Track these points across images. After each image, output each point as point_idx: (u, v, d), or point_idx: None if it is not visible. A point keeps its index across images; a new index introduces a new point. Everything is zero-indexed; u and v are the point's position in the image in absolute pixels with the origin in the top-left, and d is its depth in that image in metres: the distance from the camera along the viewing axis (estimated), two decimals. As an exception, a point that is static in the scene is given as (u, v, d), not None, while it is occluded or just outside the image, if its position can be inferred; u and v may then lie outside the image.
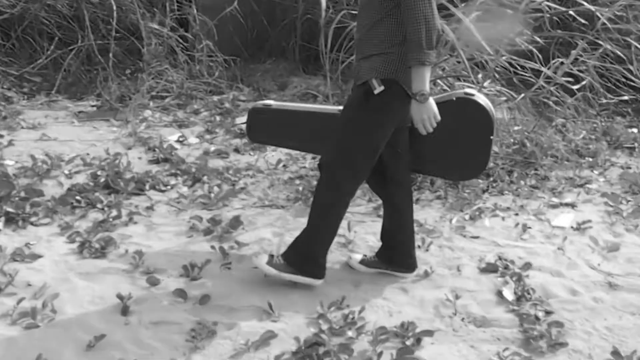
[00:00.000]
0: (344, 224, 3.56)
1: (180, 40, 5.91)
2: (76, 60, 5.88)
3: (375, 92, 2.65)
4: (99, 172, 4.14)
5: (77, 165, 4.30)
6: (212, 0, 6.33)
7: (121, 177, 4.07)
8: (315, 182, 4.05)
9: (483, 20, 5.07)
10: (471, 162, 3.08)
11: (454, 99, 2.97)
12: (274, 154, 4.66)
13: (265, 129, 3.31)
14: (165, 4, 6.10)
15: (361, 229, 3.62)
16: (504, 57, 4.12)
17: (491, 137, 3.00)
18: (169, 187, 4.07)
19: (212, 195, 3.91)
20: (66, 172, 4.19)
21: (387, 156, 2.93)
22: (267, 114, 3.27)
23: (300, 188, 4.04)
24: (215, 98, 5.79)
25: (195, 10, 6.04)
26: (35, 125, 4.99)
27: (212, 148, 4.71)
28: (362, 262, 3.19)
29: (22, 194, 3.77)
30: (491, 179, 4.31)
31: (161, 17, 6.04)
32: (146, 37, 5.78)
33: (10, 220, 3.52)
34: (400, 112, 2.72)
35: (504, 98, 4.51)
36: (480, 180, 4.25)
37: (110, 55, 5.63)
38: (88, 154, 4.47)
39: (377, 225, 3.64)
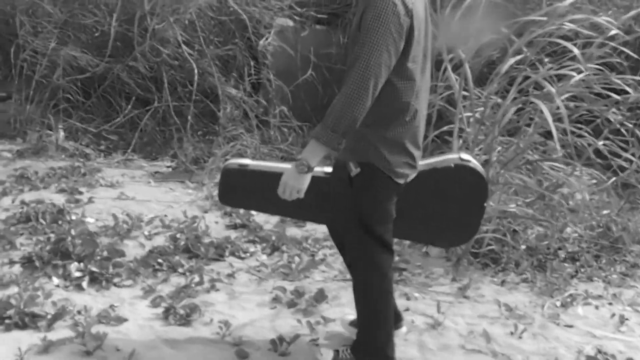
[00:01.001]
0: (434, 306, 3.46)
1: (255, 105, 5.94)
2: (152, 121, 5.96)
3: (352, 174, 2.51)
4: (178, 235, 4.12)
5: (156, 227, 4.29)
6: (285, 66, 6.40)
7: (200, 241, 4.03)
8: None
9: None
10: (465, 228, 2.98)
11: (452, 165, 2.86)
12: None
13: (241, 191, 2.98)
14: (241, 69, 6.18)
15: (448, 310, 3.48)
16: (601, 143, 4.01)
17: (485, 205, 2.92)
18: (248, 254, 4.01)
19: (293, 265, 3.84)
20: (146, 233, 4.17)
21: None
22: (244, 175, 2.95)
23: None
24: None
25: (271, 75, 6.10)
26: (113, 183, 5.03)
27: (289, 216, 4.65)
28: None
29: (105, 254, 3.75)
30: (578, 263, 4.15)
31: (237, 82, 6.11)
32: (222, 100, 5.83)
33: (94, 279, 3.50)
34: (387, 188, 2.56)
35: (594, 180, 4.39)
36: (566, 264, 4.10)
37: (189, 117, 5.69)
38: (166, 216, 4.47)
39: (466, 306, 3.53)
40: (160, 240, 4.09)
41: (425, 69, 2.56)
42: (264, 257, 4.00)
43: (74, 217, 4.27)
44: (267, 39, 6.07)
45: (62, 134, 5.83)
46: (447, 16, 3.92)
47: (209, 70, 5.98)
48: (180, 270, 3.70)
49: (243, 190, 2.99)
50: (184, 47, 5.79)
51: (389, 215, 2.64)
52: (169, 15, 5.96)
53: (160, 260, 3.76)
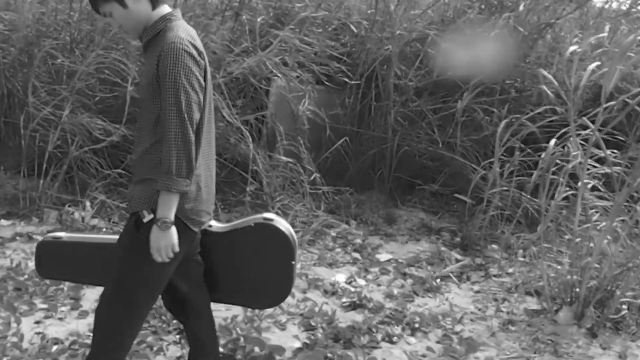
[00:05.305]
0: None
1: (301, 172, 5.72)
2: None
3: (145, 220, 2.46)
4: (312, 323, 3.86)
5: (268, 315, 3.97)
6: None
7: (338, 329, 3.79)
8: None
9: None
10: (273, 289, 2.95)
11: (252, 224, 2.87)
12: (460, 292, 4.52)
13: (57, 263, 2.97)
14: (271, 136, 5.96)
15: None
16: None
17: (292, 262, 2.89)
18: (395, 338, 3.81)
19: (458, 347, 3.70)
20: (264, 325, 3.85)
21: (184, 289, 2.84)
22: (58, 247, 2.94)
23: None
24: (334, 233, 5.58)
25: (305, 142, 5.92)
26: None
27: (396, 291, 4.49)
28: None
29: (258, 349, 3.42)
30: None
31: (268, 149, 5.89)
32: (264, 169, 5.56)
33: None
34: (179, 234, 2.49)
35: None
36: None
37: (248, 188, 5.36)
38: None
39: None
40: (293, 330, 3.79)
41: (211, 118, 2.63)
42: (412, 340, 3.82)
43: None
44: (304, 103, 5.89)
45: (89, 210, 5.25)
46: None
47: (239, 137, 5.68)
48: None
49: (60, 262, 2.98)
50: (224, 113, 5.46)
51: (167, 271, 2.58)
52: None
53: (329, 354, 3.48)
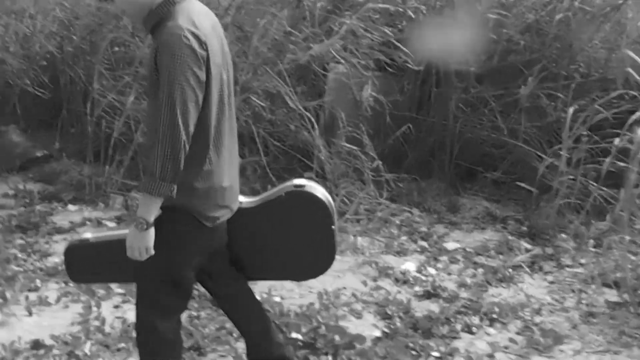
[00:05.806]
0: None
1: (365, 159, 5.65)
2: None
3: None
4: (387, 311, 3.80)
5: (347, 303, 3.92)
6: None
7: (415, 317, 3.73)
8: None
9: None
10: (316, 258, 2.77)
11: (284, 194, 2.66)
12: (533, 283, 4.41)
13: (89, 266, 2.82)
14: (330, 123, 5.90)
15: None
16: None
17: (332, 227, 2.69)
18: (474, 329, 3.72)
19: (542, 339, 3.60)
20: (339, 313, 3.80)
21: (209, 284, 2.73)
22: (87, 249, 2.79)
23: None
24: (398, 221, 5.50)
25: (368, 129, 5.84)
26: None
27: (468, 280, 4.39)
28: None
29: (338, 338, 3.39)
30: None
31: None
32: (326, 157, 5.50)
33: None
34: (190, 236, 2.42)
35: None
36: None
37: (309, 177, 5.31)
38: (345, 288, 4.12)
39: None
40: (369, 319, 3.74)
41: (226, 110, 2.43)
42: (492, 331, 3.73)
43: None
44: (367, 89, 5.80)
45: (154, 197, 5.25)
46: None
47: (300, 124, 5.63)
48: (435, 354, 3.38)
49: (92, 264, 2.82)
50: (287, 99, 5.41)
51: (183, 263, 2.48)
52: (261, 65, 5.58)
53: (410, 344, 3.41)
